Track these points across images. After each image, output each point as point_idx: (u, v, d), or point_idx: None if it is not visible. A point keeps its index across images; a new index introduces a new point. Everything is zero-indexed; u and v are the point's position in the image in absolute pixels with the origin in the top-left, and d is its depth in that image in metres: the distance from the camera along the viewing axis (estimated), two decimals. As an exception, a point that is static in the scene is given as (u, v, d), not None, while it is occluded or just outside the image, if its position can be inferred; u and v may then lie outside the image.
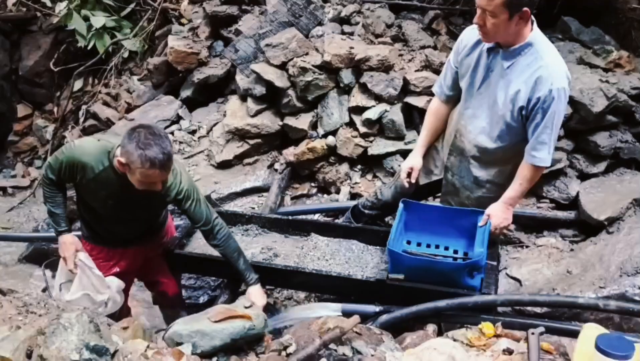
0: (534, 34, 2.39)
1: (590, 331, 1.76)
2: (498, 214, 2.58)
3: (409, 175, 2.83)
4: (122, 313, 2.82)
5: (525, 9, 2.25)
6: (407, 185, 2.83)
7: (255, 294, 2.61)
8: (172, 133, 4.41)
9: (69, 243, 2.60)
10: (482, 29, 2.37)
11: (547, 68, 2.34)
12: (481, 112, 2.54)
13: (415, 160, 2.84)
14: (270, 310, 2.80)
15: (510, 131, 2.51)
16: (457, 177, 2.76)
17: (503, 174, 2.65)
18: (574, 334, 2.13)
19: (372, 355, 1.85)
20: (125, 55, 5.25)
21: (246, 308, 1.91)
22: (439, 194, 2.99)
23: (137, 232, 2.76)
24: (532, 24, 2.39)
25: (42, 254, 3.94)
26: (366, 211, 3.17)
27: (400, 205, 2.76)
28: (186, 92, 4.63)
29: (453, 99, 2.74)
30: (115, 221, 2.64)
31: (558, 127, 2.43)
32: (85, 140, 2.78)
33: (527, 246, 3.57)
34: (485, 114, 2.53)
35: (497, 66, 2.45)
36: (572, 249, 3.45)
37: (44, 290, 3.11)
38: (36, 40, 5.78)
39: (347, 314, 2.48)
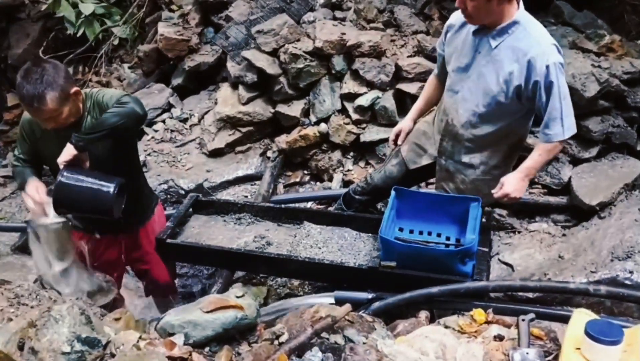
0: (520, 12, 2.37)
1: (580, 316, 1.77)
2: (511, 182, 2.51)
3: (397, 138, 2.88)
4: (115, 302, 2.82)
5: None
6: (393, 146, 2.91)
7: (66, 148, 2.35)
8: (163, 122, 4.39)
9: (33, 183, 2.45)
10: (464, 13, 2.37)
11: (540, 45, 2.33)
12: (471, 95, 2.52)
13: (405, 123, 2.88)
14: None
15: (503, 111, 2.50)
16: (451, 161, 2.76)
17: (497, 154, 2.65)
18: (565, 319, 2.14)
19: (364, 343, 1.85)
20: (115, 42, 5.19)
21: (238, 297, 1.90)
22: (431, 180, 3.00)
23: None
24: (517, 2, 2.37)
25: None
26: (357, 197, 3.16)
27: (393, 192, 2.76)
28: (177, 80, 4.60)
29: (442, 74, 2.77)
30: None
31: (567, 97, 2.39)
32: None
33: (519, 232, 3.59)
34: (476, 96, 2.51)
35: (484, 47, 2.44)
36: (564, 234, 3.48)
37: (35, 281, 3.10)
38: (25, 28, 5.70)
39: (340, 301, 2.50)
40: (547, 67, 2.30)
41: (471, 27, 2.46)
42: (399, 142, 2.90)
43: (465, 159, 2.70)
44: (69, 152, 2.33)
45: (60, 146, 2.40)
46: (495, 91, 2.44)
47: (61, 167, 2.34)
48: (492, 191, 2.56)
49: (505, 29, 2.37)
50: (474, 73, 2.49)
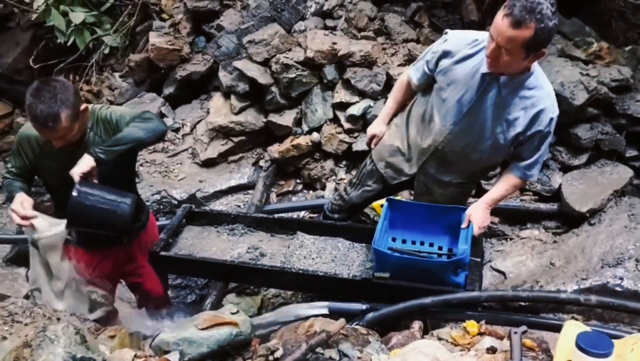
0: (535, 66, 2.36)
1: (571, 328, 1.80)
2: (479, 215, 2.61)
3: (371, 140, 2.93)
4: (108, 314, 2.82)
5: (543, 49, 2.21)
6: (369, 147, 2.96)
7: (81, 161, 2.33)
8: (155, 131, 4.38)
9: (19, 198, 2.40)
10: (492, 61, 2.29)
11: (549, 98, 2.37)
12: (470, 130, 2.51)
13: (379, 128, 2.90)
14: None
15: (497, 149, 2.55)
16: (432, 178, 2.78)
17: (476, 175, 2.82)
18: (557, 328, 2.17)
19: (359, 358, 1.87)
20: (106, 51, 5.17)
21: (232, 314, 1.91)
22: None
23: None
24: None
25: (27, 257, 3.90)
26: (335, 215, 3.16)
27: (385, 203, 2.79)
28: (169, 89, 4.60)
29: (423, 87, 2.71)
30: None
31: (547, 150, 2.56)
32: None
33: (510, 239, 3.62)
34: (475, 133, 2.51)
35: (492, 90, 2.40)
36: (555, 241, 3.51)
37: (27, 296, 3.09)
38: (14, 37, 5.67)
39: (334, 313, 2.51)
40: (551, 119, 2.38)
41: (479, 67, 2.38)
42: (373, 147, 2.94)
43: (447, 178, 2.75)
44: (87, 164, 2.30)
45: (60, 162, 2.40)
46: (496, 132, 2.46)
47: (76, 179, 2.30)
48: (462, 226, 2.61)
49: (521, 81, 2.35)
50: (476, 112, 2.46)
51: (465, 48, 2.44)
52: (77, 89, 2.39)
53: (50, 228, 2.42)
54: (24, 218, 2.36)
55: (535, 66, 2.36)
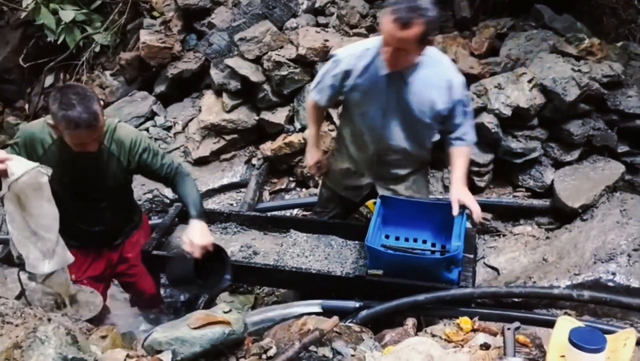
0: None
1: (564, 324, 1.80)
2: (468, 197, 2.62)
3: (319, 169, 3.06)
4: (101, 314, 2.80)
5: (431, 38, 2.40)
6: (318, 177, 3.11)
7: (195, 230, 2.41)
8: (147, 130, 4.36)
9: None
10: (392, 63, 2.43)
11: (450, 69, 2.55)
12: (398, 127, 2.66)
13: (317, 153, 3.03)
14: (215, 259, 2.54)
15: (429, 130, 2.70)
16: (390, 179, 2.89)
17: (422, 154, 2.85)
18: (550, 324, 2.18)
19: (352, 355, 1.86)
20: (97, 49, 5.15)
21: (225, 313, 1.90)
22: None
23: (108, 222, 2.69)
24: None
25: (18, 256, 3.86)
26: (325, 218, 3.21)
27: (378, 200, 2.78)
28: (160, 88, 4.57)
29: (331, 105, 2.91)
30: (81, 207, 2.55)
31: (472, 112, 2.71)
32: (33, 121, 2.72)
33: (503, 235, 3.63)
34: (403, 128, 2.66)
35: (399, 84, 2.54)
36: (547, 237, 3.52)
37: (18, 296, 3.06)
38: (4, 36, 5.64)
39: (327, 311, 2.51)
40: (462, 85, 2.56)
41: (378, 71, 2.53)
42: (323, 171, 3.09)
43: (403, 172, 2.85)
44: (208, 231, 2.44)
45: (62, 168, 2.37)
46: (420, 118, 2.60)
47: (198, 254, 2.37)
48: (453, 213, 2.60)
49: (418, 65, 2.50)
50: (395, 109, 2.61)
51: (360, 61, 2.59)
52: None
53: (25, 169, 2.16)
54: None
55: (427, 48, 2.48)
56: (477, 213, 2.58)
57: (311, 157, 3.05)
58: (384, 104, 2.61)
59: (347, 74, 2.64)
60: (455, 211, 2.58)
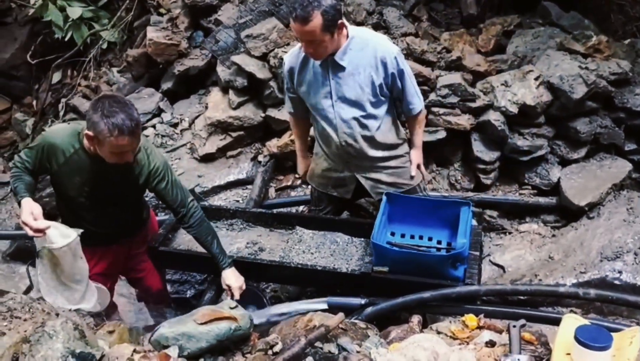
0: (351, 28, 2.64)
1: (570, 322, 1.81)
2: (419, 156, 2.97)
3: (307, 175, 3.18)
4: (108, 310, 2.82)
5: (339, 21, 2.50)
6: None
7: (230, 277, 2.67)
8: (153, 127, 4.37)
9: (27, 206, 2.35)
10: (315, 54, 2.60)
11: (380, 45, 2.64)
12: (347, 112, 2.75)
13: (305, 163, 3.20)
14: (250, 295, 2.88)
15: (378, 106, 2.76)
16: (370, 166, 2.93)
17: (388, 132, 2.88)
18: (555, 322, 2.18)
19: (358, 352, 1.87)
20: (104, 46, 5.15)
21: (231, 308, 1.91)
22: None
23: (119, 225, 2.72)
24: (346, 25, 2.61)
25: (26, 252, 3.90)
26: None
27: (384, 198, 2.79)
28: (167, 84, 4.58)
29: (300, 112, 3.00)
30: (95, 212, 2.58)
31: (412, 76, 2.79)
32: (55, 125, 2.75)
33: (509, 233, 3.62)
34: (352, 110, 2.74)
35: (335, 70, 2.67)
36: (553, 235, 3.51)
37: (26, 291, 3.08)
38: (12, 33, 5.65)
39: (333, 307, 2.52)
40: (395, 58, 2.64)
41: (314, 62, 2.68)
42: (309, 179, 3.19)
43: (379, 154, 2.89)
44: (240, 278, 2.70)
45: (84, 177, 2.43)
46: (364, 97, 2.71)
47: (237, 295, 2.65)
48: (412, 174, 2.94)
49: (346, 48, 2.62)
50: (339, 93, 2.71)
51: (298, 57, 2.75)
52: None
53: (63, 238, 2.34)
54: (37, 230, 2.30)
55: (354, 30, 2.66)
56: (413, 171, 2.93)
57: (300, 168, 3.23)
58: (328, 91, 2.73)
59: (291, 72, 2.81)
60: (414, 172, 2.94)
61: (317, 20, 2.41)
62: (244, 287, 2.70)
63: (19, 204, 2.43)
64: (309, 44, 2.53)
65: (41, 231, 2.28)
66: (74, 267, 2.38)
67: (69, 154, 2.41)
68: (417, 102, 2.81)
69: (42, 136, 2.50)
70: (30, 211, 2.32)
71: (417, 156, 2.97)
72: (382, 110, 2.79)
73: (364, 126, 2.77)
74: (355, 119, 2.76)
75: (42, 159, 2.46)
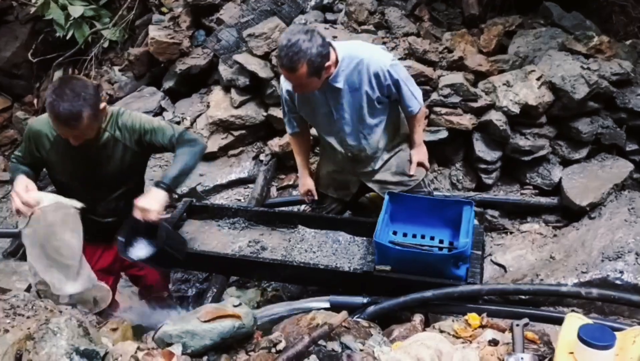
0: (339, 51, 2.64)
1: (573, 321, 1.80)
2: (418, 154, 2.99)
3: (310, 195, 3.18)
4: (110, 308, 2.81)
5: (326, 64, 2.53)
6: (310, 203, 3.25)
7: (149, 196, 2.41)
8: (155, 125, 4.37)
9: (22, 181, 2.37)
10: (302, 92, 2.70)
11: (372, 60, 2.64)
12: (349, 126, 2.81)
13: (308, 181, 3.18)
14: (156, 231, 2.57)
15: (377, 113, 2.81)
16: (375, 173, 3.00)
17: (392, 132, 2.96)
18: (558, 321, 2.18)
19: (361, 350, 1.87)
20: (105, 45, 5.16)
21: (235, 306, 1.91)
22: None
23: (118, 213, 2.69)
24: (333, 47, 2.62)
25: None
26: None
27: (386, 197, 2.79)
28: (168, 83, 4.59)
29: (302, 128, 3.06)
30: (92, 198, 2.56)
31: (409, 79, 2.81)
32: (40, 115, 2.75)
33: (511, 233, 3.63)
34: (354, 124, 2.81)
35: (332, 92, 2.71)
36: (555, 235, 3.51)
37: (28, 289, 3.08)
38: (13, 31, 5.65)
39: (335, 306, 2.52)
40: (389, 72, 2.65)
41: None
42: (315, 198, 3.19)
43: (380, 161, 2.96)
44: (164, 199, 2.41)
45: (71, 159, 2.44)
46: (363, 112, 2.77)
47: (154, 217, 2.37)
48: (410, 172, 2.97)
49: (338, 70, 2.64)
50: (339, 113, 2.78)
51: None
52: (97, 88, 2.38)
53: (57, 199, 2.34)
54: (26, 203, 2.28)
55: (343, 50, 2.64)
56: (413, 168, 2.96)
57: (302, 186, 3.20)
58: (328, 111, 2.79)
59: (290, 93, 2.84)
60: (413, 170, 2.96)
61: (303, 69, 2.48)
62: (153, 217, 2.38)
63: (12, 181, 2.45)
64: (297, 86, 2.63)
65: (30, 205, 2.26)
66: (63, 240, 2.32)
67: (52, 138, 2.44)
68: (414, 103, 2.82)
69: (27, 127, 2.55)
70: (25, 184, 2.35)
71: (417, 153, 2.99)
72: (383, 117, 2.84)
73: (367, 136, 2.85)
74: (358, 131, 2.83)
75: (31, 149, 2.51)
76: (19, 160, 2.58)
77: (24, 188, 2.34)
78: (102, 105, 2.35)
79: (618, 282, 3.04)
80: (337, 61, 2.63)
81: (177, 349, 1.80)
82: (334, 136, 2.90)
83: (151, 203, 2.38)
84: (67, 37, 5.07)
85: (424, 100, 3.75)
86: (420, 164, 3.00)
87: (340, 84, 2.67)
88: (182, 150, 2.50)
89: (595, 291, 2.31)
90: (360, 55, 2.65)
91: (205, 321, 1.84)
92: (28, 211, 2.30)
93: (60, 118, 2.22)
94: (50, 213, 2.30)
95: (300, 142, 3.14)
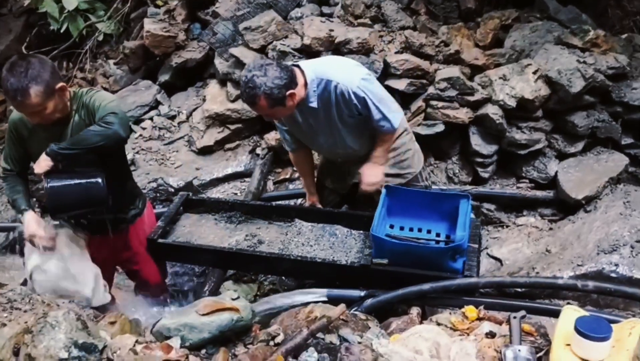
0: (308, 72, 2.65)
1: (570, 313, 1.82)
2: (367, 171, 2.88)
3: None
4: (107, 302, 2.81)
5: (288, 93, 2.55)
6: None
7: (40, 159, 2.38)
8: (151, 119, 4.36)
9: (33, 220, 2.48)
10: (278, 117, 2.80)
11: (339, 80, 2.64)
12: (334, 139, 2.86)
13: (311, 199, 3.23)
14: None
15: (355, 125, 2.80)
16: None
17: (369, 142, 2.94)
18: (554, 314, 2.19)
19: (359, 342, 1.88)
20: (100, 38, 5.12)
21: (233, 300, 1.92)
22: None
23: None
24: (301, 71, 2.65)
25: (22, 245, 3.88)
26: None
27: (383, 190, 2.79)
28: (164, 77, 4.56)
29: (299, 144, 3.06)
30: None
31: (383, 99, 2.75)
32: None
33: (507, 226, 3.64)
34: (338, 137, 2.85)
35: (308, 110, 2.75)
36: (551, 228, 3.53)
37: (24, 283, 3.08)
38: (7, 24, 5.60)
39: (332, 299, 2.52)
40: (354, 92, 2.63)
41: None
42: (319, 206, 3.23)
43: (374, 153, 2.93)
44: (46, 163, 2.35)
45: (47, 145, 2.39)
46: (339, 126, 2.80)
47: (39, 176, 2.36)
48: (361, 187, 2.91)
49: (310, 91, 2.67)
50: (320, 129, 2.83)
51: None
52: (55, 67, 2.36)
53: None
54: (49, 240, 2.44)
55: (310, 70, 2.66)
56: (365, 185, 2.86)
57: (308, 199, 3.26)
58: (308, 129, 2.84)
59: None
60: (364, 186, 2.88)
61: (262, 102, 2.55)
62: (37, 170, 2.37)
63: (19, 214, 2.53)
64: (265, 116, 2.77)
65: (52, 240, 2.44)
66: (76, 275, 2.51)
67: (31, 125, 2.44)
68: (385, 124, 2.77)
69: (9, 120, 2.56)
70: (36, 222, 2.46)
71: (367, 171, 2.88)
72: (364, 127, 2.81)
73: (353, 144, 2.88)
74: (344, 142, 2.86)
75: (15, 142, 2.53)
76: (7, 171, 2.57)
77: (38, 227, 2.45)
78: (59, 85, 2.32)
79: (613, 275, 3.06)
80: (305, 83, 2.66)
81: (175, 342, 1.80)
82: (321, 148, 2.99)
83: (38, 165, 2.37)
84: (62, 31, 5.03)
85: (420, 94, 3.79)
86: (369, 184, 2.88)
87: (314, 104, 2.71)
88: (93, 126, 2.39)
89: (591, 284, 2.33)
90: (327, 75, 2.67)
91: (203, 315, 1.85)
92: (54, 244, 2.46)
93: (9, 93, 2.24)
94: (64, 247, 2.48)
95: (303, 160, 3.17)
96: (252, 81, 2.52)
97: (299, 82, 2.62)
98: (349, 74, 2.68)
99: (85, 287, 2.51)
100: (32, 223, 2.46)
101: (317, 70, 2.68)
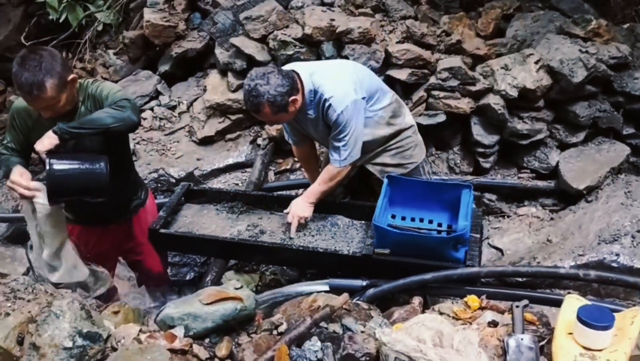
0: (306, 83, 2.68)
1: (572, 302, 1.82)
2: (296, 204, 2.87)
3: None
4: (109, 293, 2.82)
5: (291, 99, 2.60)
6: None
7: (45, 137, 2.31)
8: (152, 109, 4.34)
9: (18, 171, 2.38)
10: (282, 123, 2.96)
11: (334, 97, 2.66)
12: (326, 141, 2.87)
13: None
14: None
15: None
16: (374, 157, 3.00)
17: (386, 125, 2.94)
18: (556, 303, 2.20)
19: (362, 332, 1.89)
20: (100, 28, 5.09)
21: (236, 289, 1.92)
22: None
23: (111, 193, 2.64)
24: (300, 81, 2.67)
25: (24, 235, 3.88)
26: None
27: (385, 180, 2.79)
28: (164, 67, 4.54)
29: (300, 140, 3.09)
30: None
31: (354, 135, 2.72)
32: None
33: (508, 216, 3.65)
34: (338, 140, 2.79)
35: (307, 118, 2.80)
36: (552, 218, 3.54)
37: (26, 273, 3.08)
38: (5, 14, 5.57)
39: (334, 289, 2.53)
40: (339, 115, 2.65)
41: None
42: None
43: (377, 150, 2.96)
44: (50, 141, 2.29)
45: None
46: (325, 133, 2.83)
47: (42, 156, 2.30)
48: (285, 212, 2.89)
49: (307, 99, 2.71)
50: (318, 134, 2.89)
51: None
52: (65, 59, 2.34)
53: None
54: (26, 188, 2.32)
55: (309, 81, 2.69)
56: (291, 216, 2.82)
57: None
58: (310, 130, 2.90)
59: None
60: (289, 218, 2.84)
61: (266, 110, 2.60)
62: (39, 148, 2.31)
63: (8, 174, 2.43)
64: (269, 122, 2.84)
65: (28, 189, 2.31)
66: (51, 233, 2.42)
67: (35, 115, 2.42)
68: (335, 157, 2.76)
69: (11, 107, 2.54)
70: (20, 173, 2.36)
71: (298, 203, 2.87)
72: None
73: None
74: (345, 143, 2.82)
75: (17, 130, 2.50)
76: (8, 149, 2.54)
77: (19, 175, 2.35)
78: (70, 76, 2.30)
79: (614, 265, 3.08)
80: (303, 90, 2.70)
81: (179, 331, 1.81)
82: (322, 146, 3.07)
83: (42, 142, 2.31)
84: (61, 20, 5.00)
85: (422, 84, 3.77)
86: (293, 215, 2.84)
87: (311, 113, 2.76)
88: (106, 108, 2.37)
89: (593, 273, 2.33)
90: (322, 88, 2.69)
91: (207, 304, 1.85)
92: (32, 194, 2.34)
93: (23, 88, 2.21)
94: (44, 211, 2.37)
95: (307, 156, 3.20)
96: (256, 89, 2.57)
97: (299, 88, 2.67)
98: (339, 96, 2.66)
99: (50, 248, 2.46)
100: (16, 173, 2.37)
101: (314, 80, 2.71)
